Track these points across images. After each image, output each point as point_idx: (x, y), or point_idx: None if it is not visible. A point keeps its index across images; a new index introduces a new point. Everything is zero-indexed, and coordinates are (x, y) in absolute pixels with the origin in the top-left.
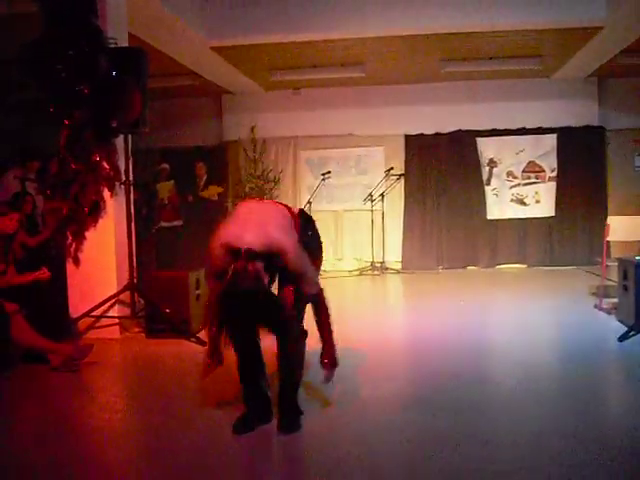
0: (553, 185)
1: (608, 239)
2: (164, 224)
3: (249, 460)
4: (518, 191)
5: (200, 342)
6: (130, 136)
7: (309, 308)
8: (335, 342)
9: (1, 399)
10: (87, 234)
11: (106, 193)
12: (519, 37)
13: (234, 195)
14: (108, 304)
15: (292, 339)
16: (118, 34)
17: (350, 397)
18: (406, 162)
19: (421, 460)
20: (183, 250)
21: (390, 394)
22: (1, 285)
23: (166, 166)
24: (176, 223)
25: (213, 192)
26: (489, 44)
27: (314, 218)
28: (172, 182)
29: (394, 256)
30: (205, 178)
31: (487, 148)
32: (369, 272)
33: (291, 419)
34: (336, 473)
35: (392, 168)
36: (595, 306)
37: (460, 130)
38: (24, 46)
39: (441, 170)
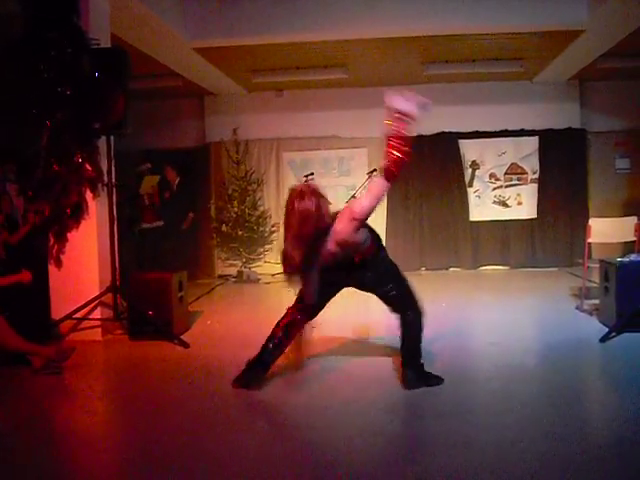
0: (535, 187)
1: (589, 241)
2: (146, 225)
3: (237, 459)
4: (500, 193)
5: (183, 344)
6: (112, 137)
7: None
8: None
9: None
10: (69, 236)
11: (88, 194)
12: (501, 40)
13: (217, 197)
14: (90, 306)
15: None
16: (100, 35)
17: (334, 399)
18: None
19: (403, 463)
20: (164, 251)
21: (374, 397)
22: None
23: (148, 165)
24: (157, 224)
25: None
26: (471, 47)
27: None
28: (158, 177)
29: None
30: (177, 181)
31: (469, 150)
32: None
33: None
34: (321, 476)
35: (375, 170)
36: (576, 307)
37: (443, 132)
38: (6, 46)
39: (424, 172)
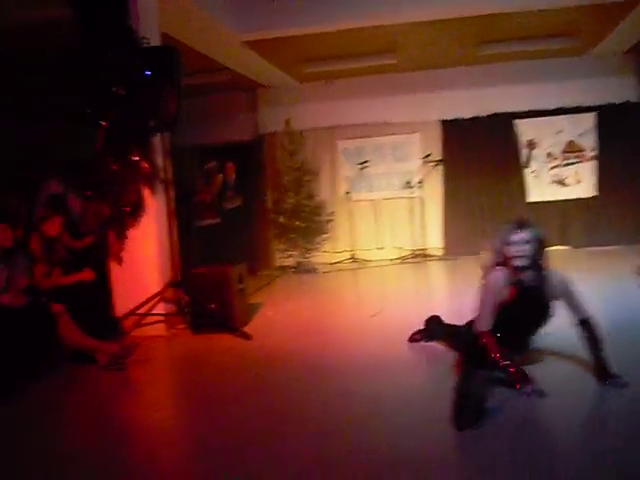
0: (594, 164)
1: None
2: (205, 222)
3: (294, 453)
4: (558, 172)
5: (245, 336)
6: (167, 134)
7: None
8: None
9: (51, 399)
10: (129, 233)
11: (146, 192)
12: (556, 15)
13: (272, 188)
14: (153, 302)
15: None
16: (150, 33)
17: (387, 389)
18: (443, 147)
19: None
20: (224, 246)
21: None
22: (47, 287)
23: (214, 163)
24: (215, 221)
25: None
26: (525, 24)
27: None
28: (221, 175)
29: (435, 242)
30: (233, 177)
31: (525, 130)
32: (411, 260)
33: None
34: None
35: (430, 154)
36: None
37: (497, 113)
38: (60, 51)
39: (479, 154)
